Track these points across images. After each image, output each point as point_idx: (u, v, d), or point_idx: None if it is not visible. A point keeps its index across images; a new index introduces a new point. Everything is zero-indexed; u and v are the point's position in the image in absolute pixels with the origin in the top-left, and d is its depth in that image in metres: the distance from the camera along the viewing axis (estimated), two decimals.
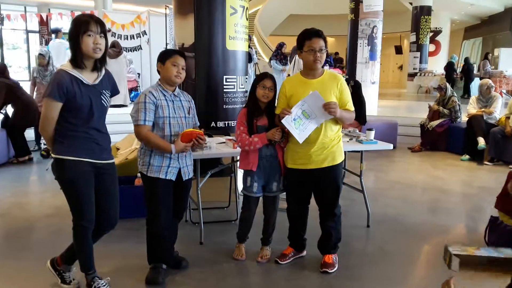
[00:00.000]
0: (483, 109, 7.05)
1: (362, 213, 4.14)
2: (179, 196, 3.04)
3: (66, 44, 6.61)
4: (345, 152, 4.15)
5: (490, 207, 4.43)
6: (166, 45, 10.75)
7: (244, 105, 3.50)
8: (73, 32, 2.46)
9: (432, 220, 4.39)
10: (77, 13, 2.64)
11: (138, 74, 11.61)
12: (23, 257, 3.40)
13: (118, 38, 11.34)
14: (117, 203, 2.78)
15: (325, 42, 3.04)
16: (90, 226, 2.63)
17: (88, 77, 2.53)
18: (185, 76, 2.97)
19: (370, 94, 9.81)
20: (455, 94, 7.94)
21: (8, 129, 6.46)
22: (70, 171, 2.52)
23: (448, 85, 7.99)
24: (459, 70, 16.65)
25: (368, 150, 4.06)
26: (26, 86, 7.25)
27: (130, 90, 10.67)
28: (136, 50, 11.92)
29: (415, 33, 17.72)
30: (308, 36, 3.00)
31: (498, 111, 7.02)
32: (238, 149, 3.31)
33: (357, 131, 4.28)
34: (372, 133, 4.02)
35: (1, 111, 6.58)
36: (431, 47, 18.94)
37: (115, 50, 9.17)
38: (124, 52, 9.88)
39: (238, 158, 3.51)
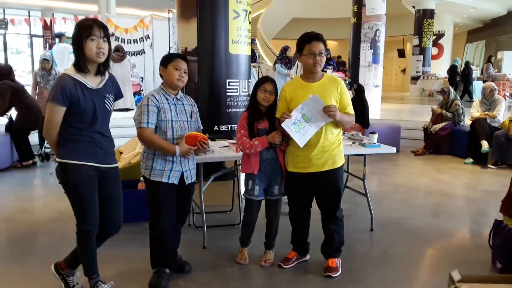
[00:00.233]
0: (486, 112, 7.03)
1: (366, 216, 4.13)
2: (182, 200, 3.04)
3: (70, 48, 6.66)
4: (348, 155, 4.17)
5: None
6: (169, 49, 10.78)
7: (245, 109, 3.51)
8: (76, 37, 2.47)
9: (436, 224, 4.38)
10: (80, 18, 2.65)
11: (142, 78, 11.64)
12: (27, 262, 3.40)
13: (121, 42, 11.38)
14: (121, 207, 2.78)
15: (325, 45, 3.05)
16: (94, 230, 2.63)
17: (92, 81, 2.54)
18: (188, 80, 2.98)
19: (373, 97, 9.82)
20: (458, 98, 7.92)
21: (12, 133, 6.47)
22: (74, 175, 2.53)
23: (451, 89, 7.98)
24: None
25: (371, 153, 4.05)
26: (30, 90, 7.25)
27: (134, 94, 10.69)
28: (139, 54, 11.96)
29: (418, 36, 17.73)
30: (308, 40, 3.01)
31: (501, 114, 6.99)
32: (241, 153, 3.31)
33: (360, 134, 4.28)
34: (375, 136, 4.01)
35: (7, 113, 6.54)
36: (434, 51, 18.92)
37: (119, 54, 9.19)
38: (127, 56, 9.90)
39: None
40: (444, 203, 5.07)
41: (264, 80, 3.16)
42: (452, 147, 7.63)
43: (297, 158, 3.09)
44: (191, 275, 3.15)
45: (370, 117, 7.58)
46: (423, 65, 17.97)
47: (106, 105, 2.61)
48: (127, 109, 9.20)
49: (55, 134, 2.53)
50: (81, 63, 2.49)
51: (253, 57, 10.99)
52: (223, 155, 3.69)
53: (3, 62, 17.67)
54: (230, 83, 4.58)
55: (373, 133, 4.04)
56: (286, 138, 3.11)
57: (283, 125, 2.93)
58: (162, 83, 2.96)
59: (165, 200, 2.91)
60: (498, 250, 3.26)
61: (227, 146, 3.91)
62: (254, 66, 10.98)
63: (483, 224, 4.31)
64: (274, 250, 3.40)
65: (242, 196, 3.54)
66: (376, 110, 9.96)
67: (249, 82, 4.83)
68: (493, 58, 16.57)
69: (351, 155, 4.19)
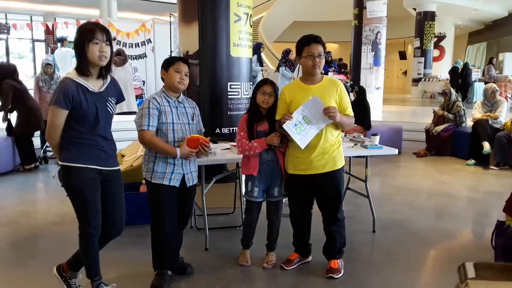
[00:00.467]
0: (488, 114, 7.03)
1: (368, 218, 4.13)
2: (184, 202, 3.05)
3: (72, 52, 6.65)
4: (349, 157, 4.17)
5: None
6: (171, 52, 10.81)
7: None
8: (78, 40, 2.48)
9: (438, 225, 4.37)
10: (82, 22, 2.66)
11: (143, 81, 11.67)
12: (29, 264, 3.41)
13: (123, 46, 11.41)
14: (123, 209, 2.79)
15: (324, 48, 3.06)
16: (96, 233, 2.64)
17: (94, 85, 2.55)
18: (190, 83, 2.99)
19: (374, 99, 9.81)
20: (460, 99, 7.92)
21: (14, 137, 6.45)
22: (76, 178, 2.54)
23: (453, 90, 7.98)
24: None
25: (373, 155, 4.05)
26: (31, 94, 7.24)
27: (135, 98, 10.71)
28: (141, 58, 12.00)
29: (419, 38, 17.74)
30: (307, 42, 3.02)
31: (503, 116, 6.99)
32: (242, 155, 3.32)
33: (362, 136, 4.28)
34: (377, 138, 4.01)
35: (9, 115, 6.46)
36: (436, 52, 18.92)
37: (121, 58, 9.21)
38: (129, 60, 9.93)
39: None
40: (446, 204, 5.07)
41: (263, 83, 3.18)
42: (454, 149, 7.63)
43: (297, 160, 3.10)
44: (193, 277, 3.15)
45: (371, 119, 7.60)
46: (425, 67, 17.96)
47: (108, 108, 2.62)
48: (130, 113, 9.22)
49: (57, 138, 2.54)
50: (83, 67, 2.50)
51: (261, 62, 11.02)
52: (224, 157, 3.70)
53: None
54: (232, 86, 4.59)
55: (375, 134, 4.04)
56: (285, 140, 3.12)
57: (284, 126, 2.93)
58: (163, 86, 2.97)
59: (166, 203, 2.91)
60: (501, 251, 3.25)
61: (228, 148, 3.92)
62: (262, 70, 11.03)
63: (485, 225, 4.31)
64: (276, 251, 3.40)
65: (243, 197, 3.55)
66: (377, 112, 9.96)
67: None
68: (495, 59, 16.56)
69: (353, 157, 4.19)
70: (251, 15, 4.74)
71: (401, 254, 3.62)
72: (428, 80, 17.67)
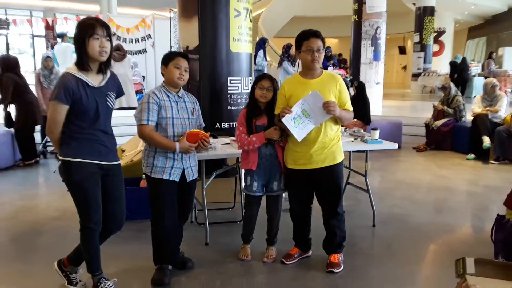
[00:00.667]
0: (488, 108, 7.03)
1: (368, 213, 4.14)
2: (184, 197, 3.05)
3: (72, 47, 6.63)
4: (350, 152, 4.17)
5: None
6: (171, 48, 10.79)
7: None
8: (79, 36, 2.48)
9: (438, 220, 4.38)
10: (82, 18, 2.65)
11: (143, 77, 11.66)
12: (30, 259, 3.42)
13: (123, 41, 11.41)
14: (123, 204, 2.80)
15: (323, 42, 3.06)
16: (97, 228, 2.65)
17: (94, 80, 2.55)
18: (190, 78, 2.99)
19: (374, 94, 9.80)
20: (459, 94, 7.92)
21: (14, 133, 6.44)
22: (77, 173, 2.55)
23: (452, 85, 7.98)
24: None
25: (373, 150, 4.05)
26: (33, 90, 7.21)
27: (135, 93, 10.70)
28: (141, 54, 11.98)
29: (418, 33, 17.70)
30: (306, 37, 3.03)
31: (503, 110, 7.00)
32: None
33: (362, 131, 4.28)
34: (377, 132, 4.02)
35: (8, 107, 6.39)
36: (435, 47, 18.88)
37: (120, 53, 9.20)
38: (128, 55, 9.92)
39: None
40: (446, 198, 5.08)
41: (261, 77, 3.18)
42: (454, 143, 7.63)
43: (297, 155, 3.10)
44: (193, 272, 3.16)
45: (371, 113, 7.59)
46: (424, 62, 17.93)
47: (108, 103, 2.63)
48: (130, 108, 9.21)
49: (58, 133, 2.55)
50: (83, 62, 2.50)
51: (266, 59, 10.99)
52: (224, 152, 3.70)
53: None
54: (232, 81, 4.59)
55: (375, 129, 4.05)
56: (285, 134, 3.12)
57: (283, 119, 2.93)
58: (163, 82, 2.97)
59: (166, 197, 2.92)
60: (501, 245, 3.26)
61: (228, 143, 3.93)
62: (267, 65, 11.01)
63: (485, 219, 4.32)
64: (277, 246, 3.41)
65: (243, 192, 3.56)
66: (377, 107, 9.95)
67: None
68: (494, 54, 16.52)
69: (353, 151, 4.20)
70: (251, 10, 4.73)
71: (401, 248, 3.64)
72: (428, 75, 17.63)
